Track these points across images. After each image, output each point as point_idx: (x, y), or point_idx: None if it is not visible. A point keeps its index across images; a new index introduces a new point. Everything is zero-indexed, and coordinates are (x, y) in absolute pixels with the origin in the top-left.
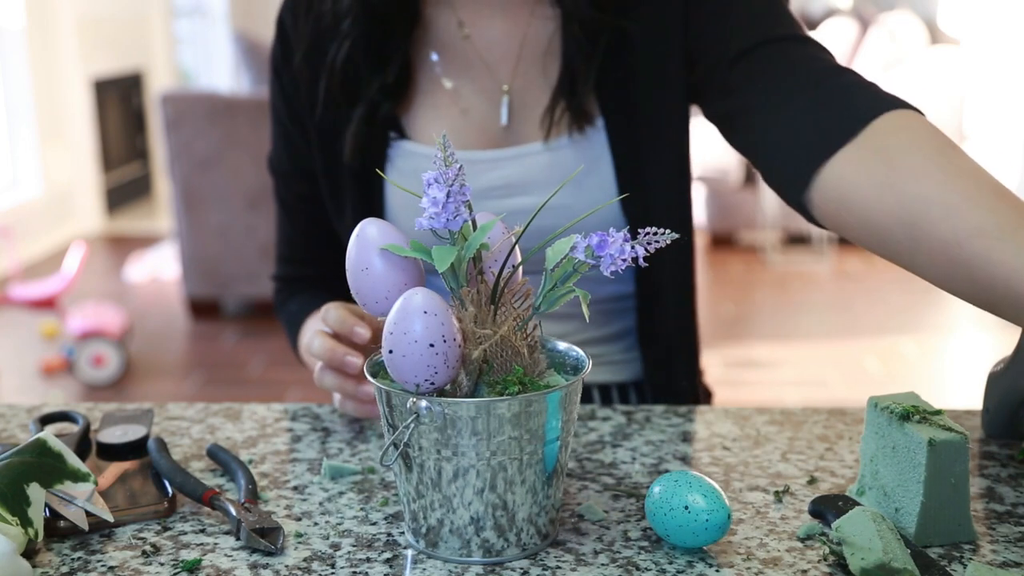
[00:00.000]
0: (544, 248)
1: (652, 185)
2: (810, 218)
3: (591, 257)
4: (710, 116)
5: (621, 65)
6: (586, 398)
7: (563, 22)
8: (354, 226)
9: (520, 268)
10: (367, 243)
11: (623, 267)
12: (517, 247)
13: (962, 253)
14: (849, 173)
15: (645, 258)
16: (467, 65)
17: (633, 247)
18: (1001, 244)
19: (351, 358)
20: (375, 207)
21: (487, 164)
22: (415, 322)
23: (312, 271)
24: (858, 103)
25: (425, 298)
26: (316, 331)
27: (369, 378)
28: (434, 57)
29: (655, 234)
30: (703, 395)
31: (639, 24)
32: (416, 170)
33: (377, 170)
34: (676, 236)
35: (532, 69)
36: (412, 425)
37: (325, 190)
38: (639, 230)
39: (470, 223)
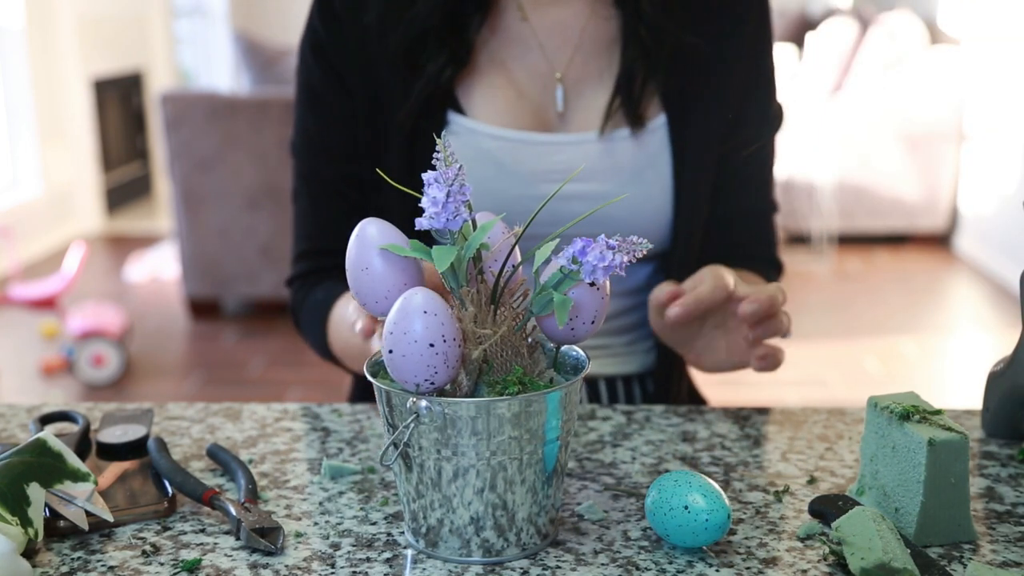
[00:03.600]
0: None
1: (703, 185)
2: None
3: (576, 264)
4: None
5: (687, 68)
6: (592, 392)
7: (627, 23)
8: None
9: (520, 268)
10: (367, 243)
11: (603, 277)
12: (517, 247)
13: None
14: None
15: (675, 251)
16: (524, 48)
17: (615, 255)
18: None
19: None
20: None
21: (548, 147)
22: (415, 322)
23: (339, 262)
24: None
25: (425, 298)
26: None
27: (369, 378)
28: (489, 36)
29: (636, 242)
30: (691, 393)
31: (706, 40)
32: (471, 145)
33: (380, 173)
34: (651, 246)
35: (589, 61)
36: (412, 425)
37: (367, 164)
38: (621, 236)
39: (470, 223)
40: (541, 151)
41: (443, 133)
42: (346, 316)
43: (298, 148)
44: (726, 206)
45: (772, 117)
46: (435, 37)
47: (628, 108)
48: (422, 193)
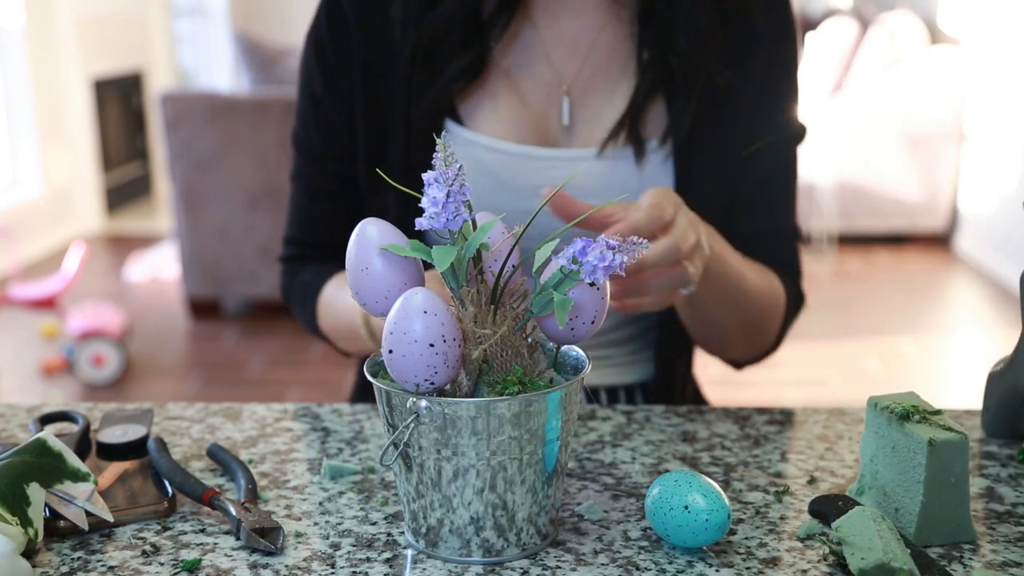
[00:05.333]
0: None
1: (709, 214)
2: None
3: (576, 264)
4: None
5: (704, 96)
6: (594, 402)
7: (650, 46)
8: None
9: (520, 268)
10: (367, 243)
11: (603, 277)
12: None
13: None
14: None
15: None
16: (530, 56)
17: (615, 255)
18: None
19: None
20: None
21: (546, 162)
22: (415, 322)
23: (325, 253)
24: None
25: (425, 298)
26: None
27: (370, 378)
28: (494, 44)
29: (636, 242)
30: (696, 396)
31: (733, 72)
32: (466, 156)
33: (381, 173)
34: (651, 246)
35: (597, 74)
36: (412, 425)
37: (364, 167)
38: (620, 236)
39: (470, 223)
40: (539, 166)
41: (442, 136)
42: (334, 299)
43: (297, 141)
44: (745, 224)
45: (791, 130)
46: (458, 37)
47: (635, 130)
48: (422, 195)
